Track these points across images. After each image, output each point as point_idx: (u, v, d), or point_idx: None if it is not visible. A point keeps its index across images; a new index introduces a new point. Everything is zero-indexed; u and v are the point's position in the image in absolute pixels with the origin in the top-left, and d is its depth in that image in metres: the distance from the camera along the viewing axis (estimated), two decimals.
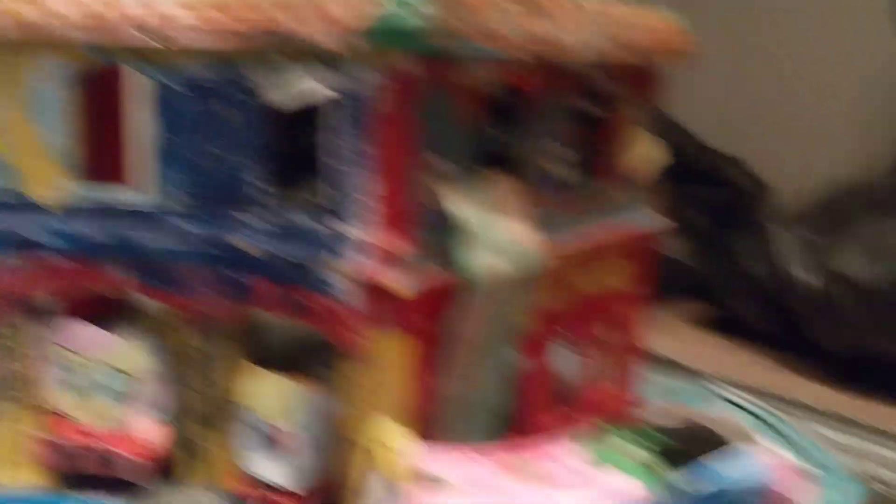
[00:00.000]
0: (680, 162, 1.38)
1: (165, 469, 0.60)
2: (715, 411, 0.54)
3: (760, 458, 0.47)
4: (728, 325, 1.15)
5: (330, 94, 0.50)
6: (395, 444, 0.44)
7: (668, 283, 1.27)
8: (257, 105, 0.54)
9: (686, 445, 0.51)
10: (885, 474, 0.68)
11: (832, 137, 1.38)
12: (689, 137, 1.42)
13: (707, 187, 1.38)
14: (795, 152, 1.40)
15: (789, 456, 0.49)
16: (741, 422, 0.52)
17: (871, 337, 0.96)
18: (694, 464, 0.47)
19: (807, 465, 0.48)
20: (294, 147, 0.55)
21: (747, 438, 0.51)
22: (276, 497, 0.54)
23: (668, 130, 1.38)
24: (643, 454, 0.50)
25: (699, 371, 0.86)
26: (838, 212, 1.06)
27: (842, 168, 1.18)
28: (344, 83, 0.50)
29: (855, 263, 0.96)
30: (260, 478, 0.54)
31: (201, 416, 0.58)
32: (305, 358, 0.68)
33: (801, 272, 1.02)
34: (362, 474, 0.46)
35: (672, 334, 1.13)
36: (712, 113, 1.53)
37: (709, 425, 0.53)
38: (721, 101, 1.54)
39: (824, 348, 1.01)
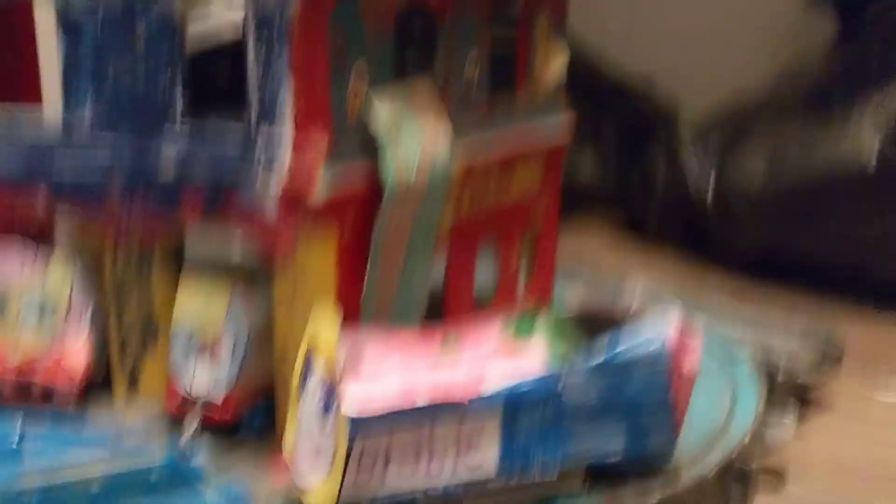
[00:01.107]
0: (594, 85, 1.42)
1: (101, 392, 0.62)
2: (623, 299, 0.57)
3: (655, 336, 0.51)
4: (639, 237, 1.21)
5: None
6: (332, 340, 0.46)
7: (585, 200, 1.33)
8: (168, 17, 0.54)
9: (591, 327, 0.54)
10: (774, 354, 0.74)
11: (738, 54, 1.43)
12: (601, 61, 1.45)
13: (620, 108, 1.42)
14: (703, 70, 1.45)
15: (682, 332, 0.52)
16: (643, 305, 0.56)
17: (765, 240, 1.02)
18: (596, 340, 0.51)
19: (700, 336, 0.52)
20: (209, 57, 0.56)
21: (651, 320, 0.54)
22: (212, 407, 0.55)
23: (582, 54, 1.41)
24: (549, 333, 0.53)
25: (619, 279, 0.90)
26: (739, 122, 1.11)
27: (748, 81, 1.23)
28: None
29: (752, 170, 1.01)
30: (196, 390, 0.56)
31: (135, 337, 0.59)
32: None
33: (704, 181, 1.07)
34: (299, 372, 0.48)
35: (590, 246, 1.17)
36: (624, 36, 1.57)
37: (614, 310, 0.57)
38: (632, 23, 1.57)
39: (726, 253, 1.07)
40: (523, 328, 0.53)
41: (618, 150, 1.36)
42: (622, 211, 1.26)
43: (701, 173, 1.08)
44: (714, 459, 0.57)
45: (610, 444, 0.51)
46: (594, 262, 0.94)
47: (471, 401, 0.46)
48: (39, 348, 0.59)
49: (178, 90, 0.55)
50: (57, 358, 0.59)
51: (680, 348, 0.52)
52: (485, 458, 0.48)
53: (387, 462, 0.45)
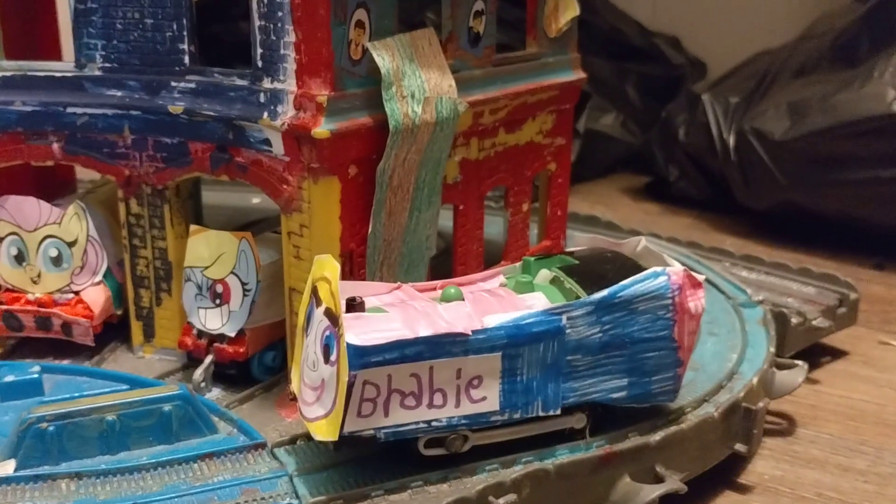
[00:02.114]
0: (619, 43, 1.41)
1: (119, 331, 0.63)
2: (629, 240, 0.57)
3: (659, 272, 0.51)
4: (661, 193, 1.20)
5: None
6: (335, 277, 0.46)
7: (607, 158, 1.32)
8: None
9: (598, 267, 0.54)
10: (789, 301, 0.74)
11: (762, 13, 1.41)
12: (628, 20, 1.44)
13: (645, 66, 1.41)
14: (728, 29, 1.43)
15: (687, 269, 0.52)
16: (649, 245, 0.56)
17: (785, 192, 1.01)
18: (601, 279, 0.51)
19: (702, 277, 0.52)
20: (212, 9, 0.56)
21: (655, 260, 0.54)
22: (222, 346, 0.57)
23: (608, 12, 1.40)
24: (552, 274, 0.53)
25: (635, 231, 0.90)
26: (762, 76, 1.10)
27: (773, 41, 1.21)
28: None
29: (772, 123, 1.00)
30: (207, 330, 0.57)
31: (150, 278, 0.61)
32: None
33: (724, 134, 1.06)
34: (304, 310, 0.49)
35: (610, 203, 1.17)
36: None
37: (620, 250, 0.57)
38: None
39: (744, 205, 1.06)
40: (523, 284, 0.53)
41: (644, 111, 1.35)
42: (646, 171, 1.25)
43: (718, 126, 1.07)
44: (720, 400, 0.58)
45: (613, 380, 0.52)
46: (614, 215, 0.94)
47: (473, 332, 0.47)
48: (59, 286, 0.61)
49: (186, 41, 0.56)
50: (75, 294, 0.61)
51: (685, 285, 0.52)
52: (488, 392, 0.48)
53: (389, 393, 0.46)
